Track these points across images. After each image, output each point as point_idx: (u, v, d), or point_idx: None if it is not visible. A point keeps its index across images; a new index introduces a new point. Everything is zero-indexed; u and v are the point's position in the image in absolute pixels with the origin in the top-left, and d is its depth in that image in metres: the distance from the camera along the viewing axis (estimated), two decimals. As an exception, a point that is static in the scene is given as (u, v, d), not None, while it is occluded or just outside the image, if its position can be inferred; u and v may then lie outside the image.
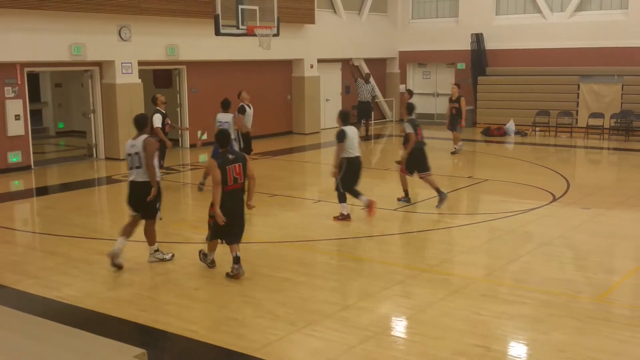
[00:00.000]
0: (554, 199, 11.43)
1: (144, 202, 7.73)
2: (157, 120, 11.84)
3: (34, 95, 19.27)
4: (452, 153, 16.49)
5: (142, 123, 7.89)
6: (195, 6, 16.27)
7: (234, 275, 7.41)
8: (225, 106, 12.30)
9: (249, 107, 12.92)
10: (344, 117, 10.12)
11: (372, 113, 20.88)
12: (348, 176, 9.88)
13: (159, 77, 18.46)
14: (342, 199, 10.01)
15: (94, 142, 16.24)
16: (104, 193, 13.36)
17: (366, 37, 22.66)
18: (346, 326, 6.17)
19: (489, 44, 22.02)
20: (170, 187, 13.27)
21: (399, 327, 6.32)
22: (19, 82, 14.31)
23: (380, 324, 6.22)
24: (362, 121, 20.00)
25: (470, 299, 6.83)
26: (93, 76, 15.93)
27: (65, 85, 20.70)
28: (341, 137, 9.78)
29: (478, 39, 21.94)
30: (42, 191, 13.26)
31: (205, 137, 13.18)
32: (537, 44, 21.09)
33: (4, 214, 11.07)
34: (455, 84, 16.95)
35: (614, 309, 6.66)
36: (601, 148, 18.21)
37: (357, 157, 9.94)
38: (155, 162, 7.73)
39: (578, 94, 20.17)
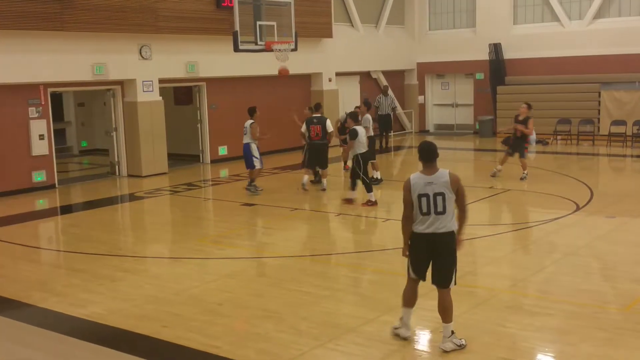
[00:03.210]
0: (578, 208, 11.29)
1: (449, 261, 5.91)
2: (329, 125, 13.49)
3: (58, 114, 19.57)
4: (521, 179, 13.98)
5: (434, 152, 5.90)
6: (213, 23, 16.44)
7: None
8: (250, 112, 13.32)
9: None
10: (354, 117, 12.14)
11: (392, 125, 20.88)
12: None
13: (180, 94, 18.66)
14: (369, 189, 11.83)
15: (116, 159, 16.41)
16: (127, 210, 13.48)
17: (384, 49, 22.70)
18: (370, 340, 6.14)
19: (508, 54, 21.92)
20: (191, 202, 13.35)
21: (423, 340, 6.26)
22: (43, 102, 14.54)
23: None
24: (383, 133, 19.99)
25: (495, 311, 6.76)
26: (115, 95, 16.14)
27: (88, 105, 20.99)
28: (353, 135, 11.66)
29: (496, 48, 21.85)
30: (66, 209, 13.41)
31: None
32: (556, 52, 20.94)
33: (29, 232, 11.21)
34: (526, 103, 14.22)
35: (642, 319, 6.55)
36: (624, 155, 17.98)
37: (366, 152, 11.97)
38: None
39: (599, 101, 19.96)
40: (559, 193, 12.55)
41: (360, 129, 11.89)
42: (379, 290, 7.41)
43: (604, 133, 19.53)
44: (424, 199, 5.72)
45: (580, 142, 19.72)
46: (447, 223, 5.77)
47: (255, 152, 13.24)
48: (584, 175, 14.81)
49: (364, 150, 11.91)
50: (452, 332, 5.87)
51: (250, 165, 13.34)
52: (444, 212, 5.73)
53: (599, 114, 20.00)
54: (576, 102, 20.13)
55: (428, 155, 5.85)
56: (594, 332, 6.14)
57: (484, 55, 22.12)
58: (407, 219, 5.86)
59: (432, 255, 5.89)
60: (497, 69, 21.90)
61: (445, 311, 5.90)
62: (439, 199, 5.71)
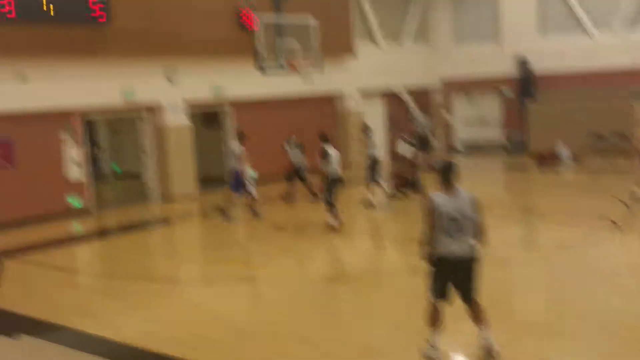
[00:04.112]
0: (617, 226, 11.00)
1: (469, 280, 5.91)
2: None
3: (92, 141, 19.87)
4: None
5: (456, 173, 5.87)
6: (238, 47, 16.57)
7: None
8: (240, 138, 13.37)
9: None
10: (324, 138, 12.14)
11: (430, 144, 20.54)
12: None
13: (208, 118, 18.83)
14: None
15: (148, 184, 16.59)
16: (160, 234, 13.58)
17: (407, 66, 22.53)
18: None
19: (535, 67, 21.66)
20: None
21: (461, 364, 6.13)
22: (77, 130, 14.81)
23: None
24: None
25: (533, 336, 6.58)
26: (145, 120, 16.37)
27: (120, 130, 21.31)
28: (325, 155, 11.73)
29: (523, 62, 21.64)
30: (101, 234, 13.58)
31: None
32: (586, 65, 20.63)
33: (66, 257, 11.36)
34: None
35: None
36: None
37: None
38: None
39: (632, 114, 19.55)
40: (595, 211, 12.24)
41: (331, 151, 11.94)
42: (414, 314, 7.29)
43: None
44: (448, 220, 5.70)
45: (615, 158, 19.26)
46: (472, 243, 5.80)
47: (248, 179, 13.24)
48: (620, 192, 14.46)
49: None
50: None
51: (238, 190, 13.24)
52: (468, 232, 5.75)
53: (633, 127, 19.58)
54: (608, 115, 19.70)
55: (451, 176, 5.81)
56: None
57: (510, 69, 21.89)
58: (429, 239, 5.84)
59: (458, 277, 5.87)
60: (525, 83, 21.66)
61: (480, 318, 5.97)
62: (463, 219, 5.71)
